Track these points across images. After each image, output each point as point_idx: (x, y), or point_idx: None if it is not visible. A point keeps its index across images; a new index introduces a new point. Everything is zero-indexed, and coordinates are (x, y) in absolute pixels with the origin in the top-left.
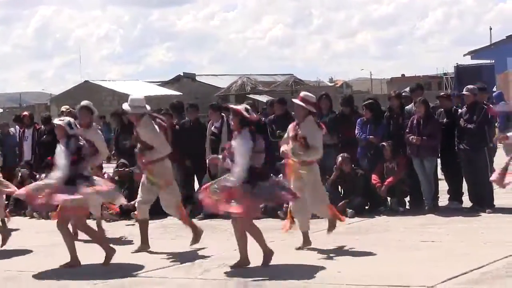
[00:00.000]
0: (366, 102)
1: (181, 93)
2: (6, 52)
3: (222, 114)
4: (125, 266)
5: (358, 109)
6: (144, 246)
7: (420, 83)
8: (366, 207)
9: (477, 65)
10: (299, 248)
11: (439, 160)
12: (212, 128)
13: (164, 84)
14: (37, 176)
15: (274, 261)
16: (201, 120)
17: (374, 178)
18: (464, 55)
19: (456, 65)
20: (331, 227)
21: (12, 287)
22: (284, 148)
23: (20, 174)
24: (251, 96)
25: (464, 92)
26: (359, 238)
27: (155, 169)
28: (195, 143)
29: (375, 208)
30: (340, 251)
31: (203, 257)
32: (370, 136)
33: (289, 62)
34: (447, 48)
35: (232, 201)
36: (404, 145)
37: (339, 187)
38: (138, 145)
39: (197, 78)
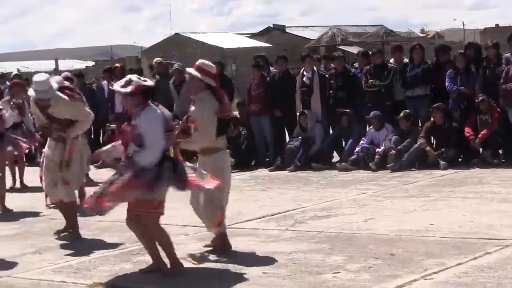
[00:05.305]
0: (462, 50)
1: (271, 45)
2: (98, 5)
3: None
4: None
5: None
6: None
7: None
8: (460, 159)
9: None
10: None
11: None
12: (304, 79)
13: (253, 36)
14: None
15: (366, 214)
16: (291, 72)
17: (468, 130)
18: None
19: None
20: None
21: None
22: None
23: (110, 128)
24: (341, 47)
25: None
26: (452, 190)
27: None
28: (284, 94)
29: (468, 160)
30: (433, 203)
31: (294, 208)
32: (462, 88)
33: (379, 12)
34: None
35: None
36: (497, 96)
37: (432, 138)
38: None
39: (287, 30)
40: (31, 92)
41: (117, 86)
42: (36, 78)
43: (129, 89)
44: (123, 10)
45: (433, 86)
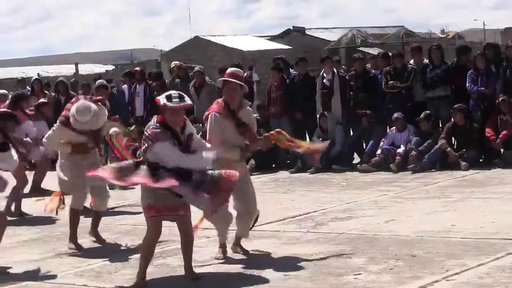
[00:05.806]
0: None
1: (291, 47)
2: (118, 9)
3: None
4: None
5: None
6: None
7: None
8: (481, 160)
9: None
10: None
11: None
12: (324, 81)
13: (273, 38)
14: None
15: (387, 216)
16: (311, 74)
17: (488, 131)
18: None
19: None
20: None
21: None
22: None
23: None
24: (361, 49)
25: None
26: (473, 190)
27: None
28: (304, 97)
29: (489, 161)
30: (454, 204)
31: (316, 210)
32: (482, 88)
33: (399, 13)
34: None
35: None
36: None
37: (453, 139)
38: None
39: (307, 32)
40: (78, 125)
41: None
42: (80, 115)
43: None
44: (143, 14)
45: (454, 86)
